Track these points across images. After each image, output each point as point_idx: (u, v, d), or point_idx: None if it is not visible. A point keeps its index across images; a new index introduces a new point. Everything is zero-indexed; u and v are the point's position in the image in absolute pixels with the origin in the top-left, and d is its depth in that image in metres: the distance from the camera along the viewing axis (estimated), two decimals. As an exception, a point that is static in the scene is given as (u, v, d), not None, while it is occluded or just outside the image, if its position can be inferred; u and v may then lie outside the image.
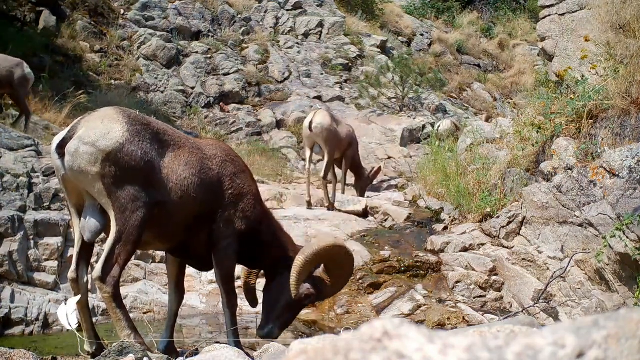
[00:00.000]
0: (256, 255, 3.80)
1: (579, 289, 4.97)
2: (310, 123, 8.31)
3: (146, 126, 3.24)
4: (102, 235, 3.37)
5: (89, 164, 3.02)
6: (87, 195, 3.18)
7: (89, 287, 3.40)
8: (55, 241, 5.82)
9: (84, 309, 3.27)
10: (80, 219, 3.24)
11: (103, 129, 3.08)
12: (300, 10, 17.77)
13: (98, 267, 3.09)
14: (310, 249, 3.58)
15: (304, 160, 9.77)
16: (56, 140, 3.15)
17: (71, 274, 3.22)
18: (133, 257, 5.07)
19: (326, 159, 8.51)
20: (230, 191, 3.57)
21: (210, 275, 5.70)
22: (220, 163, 3.58)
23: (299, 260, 3.55)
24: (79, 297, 3.24)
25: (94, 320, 3.49)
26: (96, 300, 5.43)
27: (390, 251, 6.49)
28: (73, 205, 3.24)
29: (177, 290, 3.81)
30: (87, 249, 3.30)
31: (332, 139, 8.48)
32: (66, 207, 6.21)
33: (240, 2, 17.37)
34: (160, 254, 6.21)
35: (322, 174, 8.53)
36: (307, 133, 8.40)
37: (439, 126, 12.52)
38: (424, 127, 13.78)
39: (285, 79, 15.70)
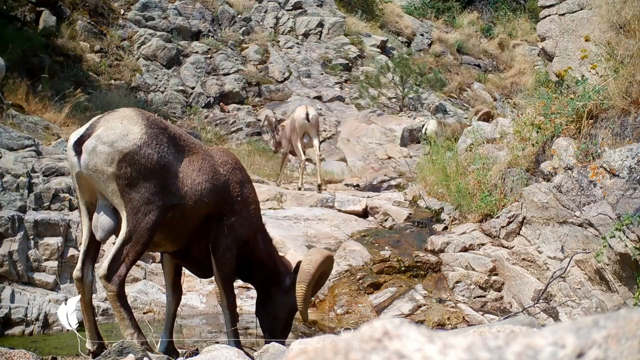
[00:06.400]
0: (249, 267, 3.85)
1: (579, 289, 4.97)
2: (307, 114, 9.61)
3: (163, 130, 3.27)
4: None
5: (105, 163, 3.04)
6: (100, 194, 3.18)
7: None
8: (55, 241, 5.82)
9: (88, 307, 3.26)
10: (90, 218, 3.25)
11: (122, 129, 3.09)
12: (300, 10, 17.77)
13: (104, 265, 3.08)
14: (308, 275, 3.74)
15: (296, 152, 10.25)
16: (73, 137, 3.16)
17: (76, 272, 3.22)
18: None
19: (317, 143, 9.92)
20: (238, 198, 3.63)
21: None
22: (231, 170, 3.66)
23: (302, 289, 3.73)
24: (79, 296, 3.24)
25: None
26: (96, 300, 5.43)
27: (390, 251, 6.48)
28: (84, 204, 3.25)
29: (175, 291, 3.83)
30: (94, 248, 3.30)
31: (319, 126, 10.24)
32: (66, 207, 6.24)
33: (240, 2, 17.37)
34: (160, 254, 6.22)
35: (318, 153, 9.86)
36: (305, 123, 9.64)
37: (425, 128, 12.55)
38: (423, 126, 13.79)
39: (285, 79, 15.70)
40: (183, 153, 3.36)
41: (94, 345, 3.24)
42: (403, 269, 6.13)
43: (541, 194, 5.43)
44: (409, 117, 14.71)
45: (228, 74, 15.11)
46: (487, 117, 12.39)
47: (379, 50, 17.54)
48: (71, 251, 5.89)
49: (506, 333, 1.07)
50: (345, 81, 16.19)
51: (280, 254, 4.17)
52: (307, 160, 10.07)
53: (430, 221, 7.44)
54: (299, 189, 9.87)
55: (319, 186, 9.65)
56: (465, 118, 14.67)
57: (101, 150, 3.05)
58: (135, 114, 3.23)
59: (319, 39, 17.44)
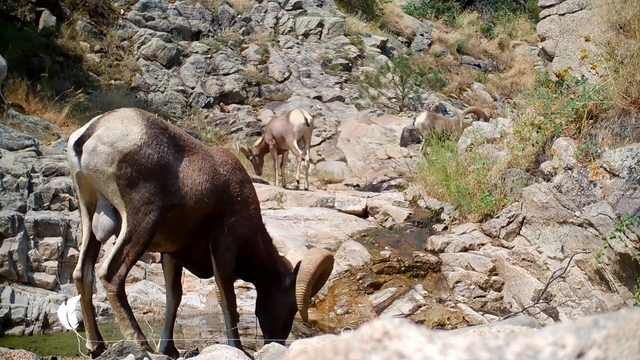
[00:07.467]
0: (249, 267, 3.85)
1: (579, 289, 4.97)
2: (306, 120, 9.86)
3: (164, 130, 3.27)
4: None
5: (106, 163, 3.04)
6: (101, 194, 3.18)
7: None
8: (55, 241, 5.82)
9: (88, 307, 3.26)
10: (90, 218, 3.25)
11: (122, 129, 3.09)
12: (300, 10, 17.77)
13: (104, 265, 3.08)
14: (308, 275, 3.73)
15: (292, 151, 10.36)
16: (74, 137, 3.15)
17: (76, 272, 3.22)
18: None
19: (309, 147, 10.35)
20: (238, 198, 3.63)
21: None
22: (231, 170, 3.66)
23: (302, 288, 3.71)
24: (79, 296, 3.24)
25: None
26: (96, 300, 5.43)
27: (390, 251, 6.48)
28: (84, 204, 3.25)
29: (174, 291, 3.83)
30: (94, 248, 3.30)
31: (313, 129, 10.79)
32: (66, 207, 6.24)
33: (240, 2, 17.37)
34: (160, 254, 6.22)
35: (307, 158, 10.17)
36: (304, 128, 9.86)
37: (414, 120, 12.68)
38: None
39: (285, 79, 15.70)
40: (183, 153, 3.36)
41: (94, 345, 3.24)
42: (403, 269, 6.13)
43: (541, 194, 5.43)
44: (409, 117, 14.71)
45: (228, 74, 15.11)
46: (478, 116, 12.45)
47: (379, 50, 17.53)
48: (71, 251, 5.89)
49: (506, 333, 1.07)
50: (345, 81, 16.18)
51: (280, 254, 4.17)
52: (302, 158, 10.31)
53: (430, 221, 7.44)
54: (298, 185, 10.15)
55: (297, 181, 10.10)
56: (466, 118, 14.68)
57: (101, 150, 3.05)
58: (136, 114, 3.23)
59: (319, 39, 17.44)
